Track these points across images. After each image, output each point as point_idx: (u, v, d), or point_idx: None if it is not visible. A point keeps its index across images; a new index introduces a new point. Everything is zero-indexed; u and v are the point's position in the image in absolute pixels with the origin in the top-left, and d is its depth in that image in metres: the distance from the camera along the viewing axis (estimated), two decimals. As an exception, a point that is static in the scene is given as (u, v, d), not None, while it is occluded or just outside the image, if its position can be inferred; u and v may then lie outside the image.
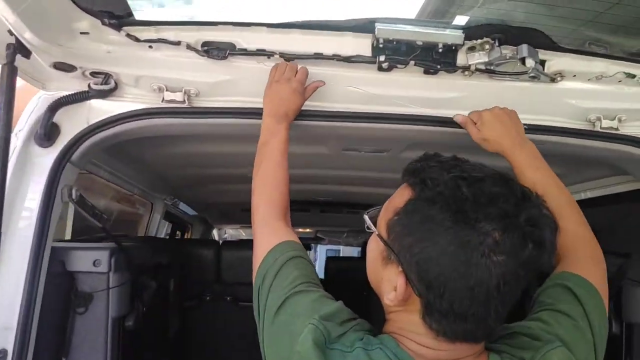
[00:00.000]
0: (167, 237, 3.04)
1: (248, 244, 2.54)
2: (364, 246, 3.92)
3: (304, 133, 1.35)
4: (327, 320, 0.75)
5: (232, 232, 5.17)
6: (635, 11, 1.40)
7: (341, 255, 7.00)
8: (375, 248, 0.80)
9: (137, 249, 1.48)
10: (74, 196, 1.19)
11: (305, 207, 3.34)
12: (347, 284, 2.24)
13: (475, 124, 1.22)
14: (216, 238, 4.49)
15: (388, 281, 0.75)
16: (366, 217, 0.83)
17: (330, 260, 3.05)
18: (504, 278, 0.66)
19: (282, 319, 0.80)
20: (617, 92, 1.30)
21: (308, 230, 4.95)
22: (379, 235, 0.77)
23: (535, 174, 1.11)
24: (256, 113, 1.24)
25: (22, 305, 1.07)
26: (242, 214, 3.60)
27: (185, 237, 3.51)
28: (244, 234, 5.30)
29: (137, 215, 2.57)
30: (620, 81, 1.29)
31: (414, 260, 0.70)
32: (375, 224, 0.80)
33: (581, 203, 1.90)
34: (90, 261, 1.25)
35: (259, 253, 0.93)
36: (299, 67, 1.21)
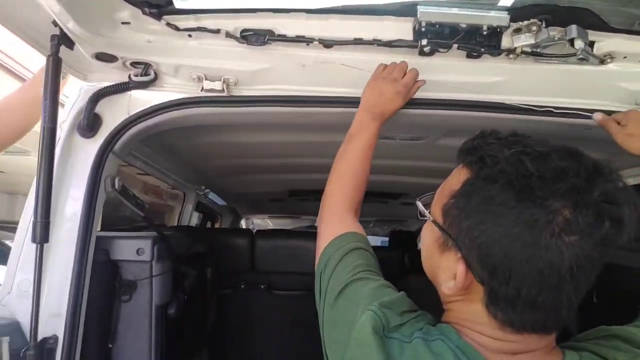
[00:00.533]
0: (198, 226, 3.08)
1: (281, 234, 2.57)
2: (390, 236, 3.90)
3: (337, 119, 1.33)
4: (386, 308, 0.73)
5: (259, 222, 5.21)
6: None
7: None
8: (429, 236, 0.77)
9: (177, 239, 1.50)
10: (116, 186, 1.20)
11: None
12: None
13: (619, 123, 1.19)
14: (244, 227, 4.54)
15: (446, 269, 0.72)
16: (419, 203, 0.81)
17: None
18: (577, 261, 0.61)
19: (342, 304, 0.79)
20: (671, 73, 1.24)
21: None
22: (434, 222, 0.75)
23: None
24: (295, 101, 1.24)
25: (71, 293, 1.09)
26: (270, 204, 3.62)
27: (215, 226, 3.55)
28: (271, 224, 5.33)
29: (169, 206, 2.61)
30: (674, 62, 1.23)
31: (474, 244, 0.66)
32: (429, 211, 0.78)
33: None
34: (134, 250, 1.27)
35: (324, 238, 0.94)
36: (409, 68, 1.20)
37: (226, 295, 1.87)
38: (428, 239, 0.78)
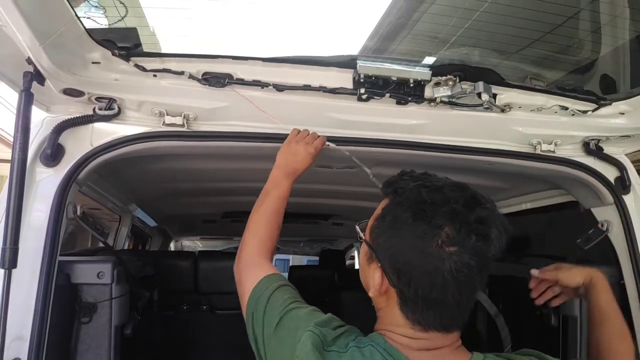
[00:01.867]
0: (130, 249, 3.06)
1: (223, 256, 2.64)
2: (321, 255, 4.09)
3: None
4: (322, 326, 0.88)
5: (188, 244, 5.17)
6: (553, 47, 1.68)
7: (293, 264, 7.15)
8: (363, 253, 0.96)
9: (131, 262, 1.56)
10: (78, 212, 1.26)
11: None
12: (308, 289, 2.39)
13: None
14: (172, 249, 4.50)
15: (372, 277, 0.89)
16: (357, 227, 0.99)
17: (292, 269, 3.19)
18: (456, 266, 0.79)
19: (281, 334, 0.91)
20: (553, 121, 1.54)
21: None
22: (365, 240, 0.94)
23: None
24: (248, 137, 1.38)
25: (36, 317, 1.13)
26: (203, 225, 3.67)
27: (146, 248, 3.52)
28: (200, 245, 5.31)
29: (106, 228, 2.59)
30: (556, 112, 1.53)
31: (387, 254, 0.85)
32: (364, 233, 0.96)
33: (522, 213, 2.18)
34: (95, 273, 1.33)
35: (248, 284, 1.03)
36: (319, 135, 1.36)
37: (169, 316, 1.93)
38: (362, 255, 0.97)
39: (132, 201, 2.53)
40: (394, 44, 1.50)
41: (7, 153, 8.89)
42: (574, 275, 1.20)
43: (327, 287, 2.93)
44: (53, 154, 1.26)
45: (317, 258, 4.97)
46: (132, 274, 1.47)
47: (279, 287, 1.00)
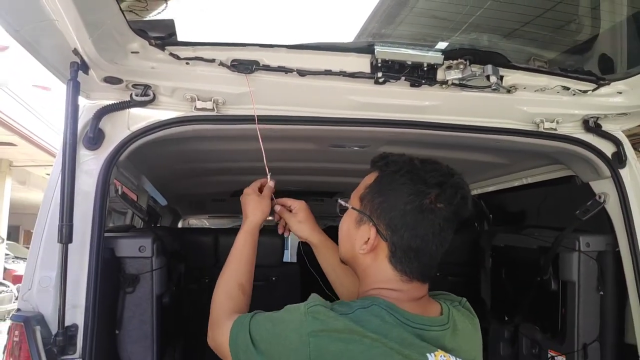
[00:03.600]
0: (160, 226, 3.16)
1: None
2: (325, 231, 4.19)
3: (304, 134, 1.59)
4: (317, 300, 0.95)
5: (195, 222, 5.31)
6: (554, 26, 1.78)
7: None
8: (348, 220, 1.09)
9: (166, 237, 1.67)
10: (119, 192, 1.37)
11: (272, 197, 3.56)
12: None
13: (291, 210, 1.41)
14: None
15: (361, 238, 1.02)
16: (340, 200, 1.14)
17: (300, 245, 3.32)
18: (443, 220, 0.97)
19: (275, 332, 0.94)
20: (556, 100, 1.65)
21: (269, 218, 5.13)
22: (353, 207, 1.06)
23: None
24: (274, 120, 1.48)
25: (89, 287, 1.25)
26: (212, 204, 3.77)
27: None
28: (207, 223, 5.44)
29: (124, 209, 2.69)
30: (558, 92, 1.63)
31: (383, 212, 1.00)
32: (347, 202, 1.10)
33: (523, 187, 2.30)
34: (137, 247, 1.44)
35: (224, 338, 1.02)
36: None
37: (193, 289, 2.05)
38: (347, 222, 1.09)
39: (148, 181, 2.63)
40: (406, 28, 1.59)
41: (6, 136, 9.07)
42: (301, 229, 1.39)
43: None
44: (95, 137, 1.35)
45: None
46: (168, 249, 1.58)
47: (253, 315, 1.02)
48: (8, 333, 1.20)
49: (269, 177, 1.42)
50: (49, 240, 1.26)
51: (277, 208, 1.41)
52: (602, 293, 1.71)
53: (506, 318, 2.09)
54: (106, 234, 1.37)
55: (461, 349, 0.98)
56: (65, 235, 1.19)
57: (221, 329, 1.06)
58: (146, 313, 1.44)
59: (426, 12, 1.54)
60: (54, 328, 1.21)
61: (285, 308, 0.98)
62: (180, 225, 4.61)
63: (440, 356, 0.92)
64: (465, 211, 1.01)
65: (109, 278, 1.38)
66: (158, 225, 3.48)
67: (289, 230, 1.41)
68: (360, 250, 1.02)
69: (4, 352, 1.21)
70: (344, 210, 1.12)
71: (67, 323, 1.22)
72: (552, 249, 1.79)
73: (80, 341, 1.23)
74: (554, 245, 1.78)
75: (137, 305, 1.44)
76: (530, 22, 1.90)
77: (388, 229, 0.99)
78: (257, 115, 1.46)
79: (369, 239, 1.00)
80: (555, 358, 1.78)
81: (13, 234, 16.22)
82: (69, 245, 1.22)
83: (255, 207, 1.34)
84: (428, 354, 0.91)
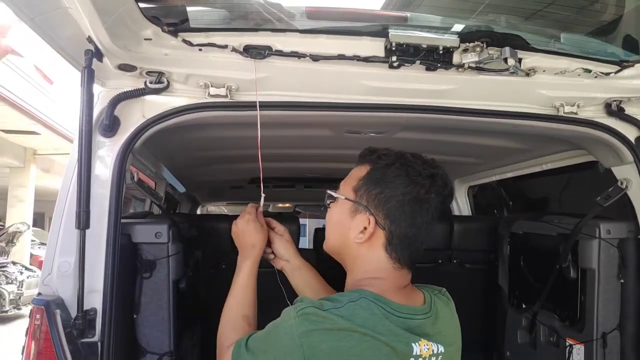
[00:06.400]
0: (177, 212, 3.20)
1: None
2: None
3: (318, 120, 1.58)
4: (307, 302, 0.96)
5: (213, 209, 5.37)
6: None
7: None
8: (339, 211, 1.11)
9: (182, 223, 1.69)
10: (135, 179, 1.38)
11: (291, 184, 3.58)
12: None
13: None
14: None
15: (356, 227, 1.06)
16: (329, 191, 1.16)
17: (317, 231, 3.33)
18: (434, 210, 1.05)
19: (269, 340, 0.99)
20: (576, 83, 1.60)
21: (287, 205, 5.21)
22: (347, 198, 1.09)
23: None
24: (287, 105, 1.48)
25: (107, 272, 1.28)
26: (230, 191, 3.80)
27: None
28: (225, 210, 5.49)
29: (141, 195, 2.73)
30: (579, 75, 1.58)
31: (380, 202, 1.04)
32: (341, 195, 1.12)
33: (544, 173, 2.26)
34: (153, 233, 1.46)
35: None
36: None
37: (210, 274, 2.08)
38: (337, 212, 1.12)
39: (166, 168, 2.66)
40: (422, 11, 1.56)
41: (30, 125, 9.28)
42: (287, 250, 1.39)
43: None
44: (110, 125, 1.37)
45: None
46: (184, 235, 1.60)
47: (250, 335, 1.05)
48: (30, 316, 1.23)
49: (262, 198, 1.43)
50: (67, 227, 1.29)
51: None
52: (622, 281, 1.67)
53: (524, 305, 2.06)
54: (123, 220, 1.39)
55: (442, 334, 1.04)
56: (83, 221, 1.21)
57: (224, 357, 1.10)
58: (163, 298, 1.47)
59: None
60: (73, 312, 1.24)
61: (278, 321, 0.99)
62: (199, 212, 4.66)
63: (424, 345, 0.99)
64: (449, 202, 1.13)
65: (127, 263, 1.40)
66: (176, 211, 3.53)
67: (274, 254, 1.40)
68: (357, 239, 1.06)
69: (26, 335, 1.24)
70: (333, 201, 1.15)
71: (86, 307, 1.25)
72: (571, 236, 1.75)
73: (99, 324, 1.26)
74: (573, 233, 1.74)
75: (154, 291, 1.46)
76: (552, 3, 1.84)
77: (386, 219, 1.04)
78: (270, 102, 1.46)
79: (365, 228, 1.04)
80: (574, 346, 1.76)
81: (38, 220, 16.66)
82: (87, 231, 1.25)
83: (260, 237, 1.34)
84: (413, 344, 0.97)
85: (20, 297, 8.44)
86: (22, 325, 8.09)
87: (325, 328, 0.92)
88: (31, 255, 11.69)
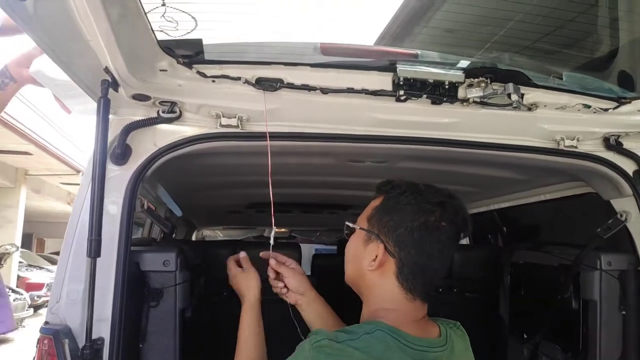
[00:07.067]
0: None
1: (260, 246, 2.74)
2: (339, 243, 4.22)
3: (321, 150, 1.61)
4: (322, 335, 0.97)
5: (209, 233, 5.34)
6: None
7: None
8: (356, 241, 1.15)
9: (189, 251, 1.69)
10: (145, 207, 1.39)
11: (288, 209, 3.59)
12: (331, 273, 2.55)
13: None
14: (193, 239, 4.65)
15: (369, 255, 1.09)
16: (347, 223, 1.19)
17: (315, 257, 3.33)
18: (445, 237, 1.06)
19: None
20: (576, 118, 1.65)
21: (283, 230, 5.21)
22: (361, 228, 1.12)
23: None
24: (297, 136, 1.50)
25: (115, 301, 1.27)
26: (228, 216, 3.80)
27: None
28: (220, 235, 5.47)
29: (141, 219, 2.72)
30: (579, 110, 1.63)
31: (390, 230, 1.07)
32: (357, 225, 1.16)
33: (548, 203, 2.29)
34: (161, 261, 1.46)
35: None
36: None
37: (213, 301, 2.07)
38: (354, 242, 1.16)
39: (166, 192, 2.66)
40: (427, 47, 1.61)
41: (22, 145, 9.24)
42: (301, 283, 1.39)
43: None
44: (122, 153, 1.38)
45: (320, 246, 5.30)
46: (190, 263, 1.60)
47: None
48: (37, 345, 1.22)
49: (273, 229, 1.44)
50: (77, 254, 1.29)
51: (273, 262, 1.42)
52: (624, 312, 1.69)
53: (525, 336, 2.07)
54: (133, 248, 1.39)
55: None
56: (94, 250, 1.21)
57: None
58: (169, 327, 1.46)
59: (445, 29, 1.56)
60: (81, 341, 1.23)
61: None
62: (193, 237, 4.64)
63: None
64: (465, 230, 1.11)
65: (134, 292, 1.40)
66: (173, 236, 3.51)
67: (287, 289, 1.40)
68: (369, 267, 1.08)
69: (32, 364, 1.23)
70: (351, 232, 1.18)
71: (95, 336, 1.24)
72: (573, 267, 1.77)
73: (106, 355, 1.25)
74: (575, 264, 1.77)
75: (161, 320, 1.45)
76: (550, 33, 1.91)
77: (396, 246, 1.06)
78: (279, 132, 1.49)
79: (377, 256, 1.06)
80: (577, 378, 1.76)
81: (26, 242, 16.41)
82: (99, 258, 1.24)
83: (247, 284, 1.37)
84: None
85: (5, 321, 8.22)
86: (7, 349, 7.89)
87: None
88: (18, 277, 11.46)
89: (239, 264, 1.44)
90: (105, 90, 1.24)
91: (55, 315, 1.26)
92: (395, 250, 1.06)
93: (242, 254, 1.45)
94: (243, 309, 1.34)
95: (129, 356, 1.35)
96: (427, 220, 1.05)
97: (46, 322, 1.25)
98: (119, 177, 1.37)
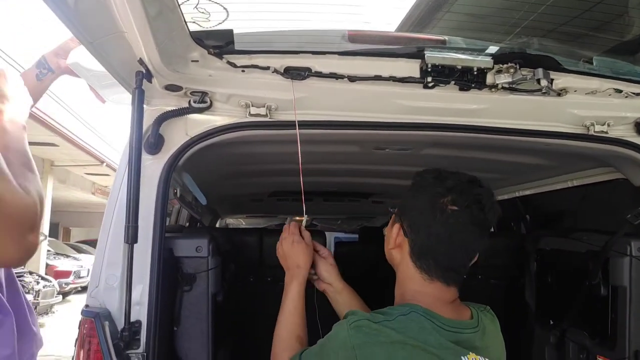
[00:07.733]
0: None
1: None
2: (360, 232, 4.25)
3: (347, 137, 1.63)
4: (359, 315, 1.02)
5: (232, 222, 5.42)
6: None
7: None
8: (390, 222, 1.20)
9: (220, 238, 1.73)
10: (178, 194, 1.42)
11: (310, 197, 3.61)
12: (353, 262, 2.59)
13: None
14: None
15: (392, 236, 1.16)
16: (390, 209, 1.23)
17: (337, 245, 3.38)
18: (453, 221, 1.06)
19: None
20: (607, 103, 1.62)
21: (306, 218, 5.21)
22: (390, 209, 1.20)
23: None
24: (325, 124, 1.52)
25: (152, 285, 1.31)
26: (250, 204, 3.85)
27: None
28: (243, 222, 5.55)
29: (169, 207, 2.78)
30: (610, 95, 1.60)
31: (406, 212, 1.14)
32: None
33: (571, 189, 2.27)
34: (194, 248, 1.50)
35: None
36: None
37: (240, 286, 2.11)
38: (390, 224, 1.21)
39: (192, 180, 2.70)
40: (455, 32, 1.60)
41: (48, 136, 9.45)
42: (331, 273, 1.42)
43: (366, 260, 3.07)
44: (155, 143, 1.42)
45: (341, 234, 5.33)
46: (221, 249, 1.64)
47: (303, 350, 1.12)
48: (78, 327, 1.27)
49: (304, 219, 1.48)
50: (114, 241, 1.33)
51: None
52: (654, 299, 1.67)
53: (551, 322, 2.06)
54: (167, 234, 1.43)
55: (489, 349, 1.08)
56: (131, 236, 1.25)
57: None
58: (202, 311, 1.50)
59: (472, 14, 1.55)
60: (119, 324, 1.28)
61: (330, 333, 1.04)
62: (218, 224, 4.70)
63: (472, 358, 1.02)
64: (485, 218, 1.08)
65: (168, 277, 1.44)
66: (198, 224, 3.57)
67: (317, 276, 1.43)
68: (390, 245, 1.16)
69: (75, 345, 1.28)
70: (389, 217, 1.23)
71: (132, 319, 1.29)
72: (602, 253, 1.76)
73: (143, 337, 1.29)
74: (604, 250, 1.75)
75: (194, 304, 1.50)
76: (578, 16, 1.87)
77: (409, 227, 1.12)
78: (307, 121, 1.50)
79: (396, 235, 1.14)
80: (605, 364, 1.75)
81: (53, 231, 16.86)
82: (136, 244, 1.29)
83: (305, 258, 1.37)
84: (462, 357, 1.01)
85: (36, 307, 8.54)
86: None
87: (379, 341, 0.95)
88: (47, 265, 11.81)
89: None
90: (140, 81, 1.27)
91: (94, 299, 1.31)
92: (409, 231, 1.12)
93: (306, 221, 1.48)
94: (293, 281, 1.33)
95: (165, 339, 1.40)
96: (435, 203, 1.08)
97: (87, 306, 1.31)
98: (153, 166, 1.41)
